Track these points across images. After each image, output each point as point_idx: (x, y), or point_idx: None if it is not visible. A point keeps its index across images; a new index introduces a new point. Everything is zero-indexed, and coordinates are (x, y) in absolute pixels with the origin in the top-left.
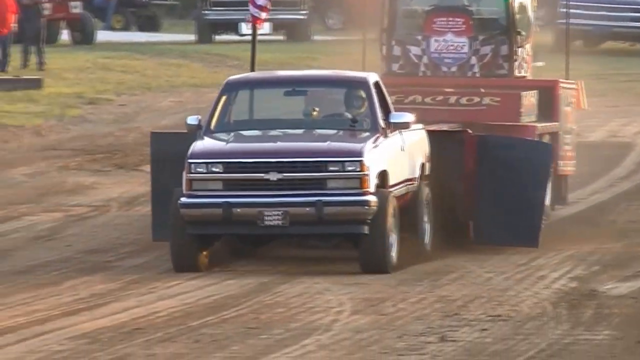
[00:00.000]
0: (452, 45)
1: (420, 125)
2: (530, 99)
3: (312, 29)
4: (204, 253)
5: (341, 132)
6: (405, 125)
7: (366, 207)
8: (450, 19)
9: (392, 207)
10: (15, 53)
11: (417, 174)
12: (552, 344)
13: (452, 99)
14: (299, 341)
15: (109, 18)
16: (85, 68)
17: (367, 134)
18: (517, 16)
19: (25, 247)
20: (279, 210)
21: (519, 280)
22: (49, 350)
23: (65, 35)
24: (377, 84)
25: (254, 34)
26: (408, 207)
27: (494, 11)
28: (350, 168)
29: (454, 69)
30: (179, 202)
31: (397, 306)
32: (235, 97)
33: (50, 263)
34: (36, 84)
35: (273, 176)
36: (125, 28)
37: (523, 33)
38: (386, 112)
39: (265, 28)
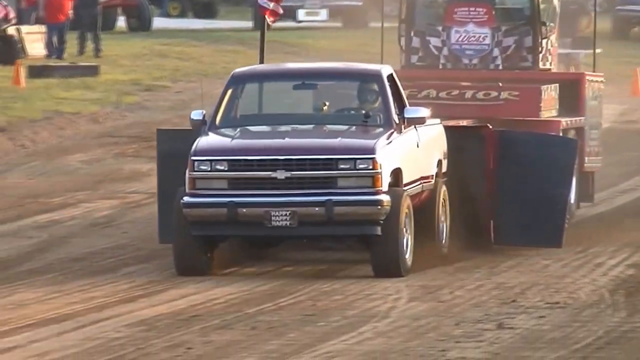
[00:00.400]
0: (473, 37)
1: (437, 120)
2: (550, 92)
3: (368, 16)
4: (209, 255)
5: (353, 128)
6: (420, 121)
7: (379, 207)
8: (472, 8)
9: (406, 206)
10: (71, 40)
11: (433, 171)
12: (609, 331)
13: (469, 94)
14: (356, 328)
15: (165, 5)
16: (142, 55)
17: (381, 129)
18: (542, 6)
19: (81, 234)
20: (287, 210)
21: (576, 268)
22: (106, 338)
23: (121, 22)
24: (391, 77)
25: (263, 26)
26: (424, 206)
27: (518, 1)
28: (362, 166)
29: (475, 61)
30: (181, 201)
31: (454, 293)
32: (242, 90)
33: (107, 250)
34: (93, 71)
35: (280, 174)
36: (182, 15)
37: (548, 24)
38: (401, 106)
39: (322, 15)
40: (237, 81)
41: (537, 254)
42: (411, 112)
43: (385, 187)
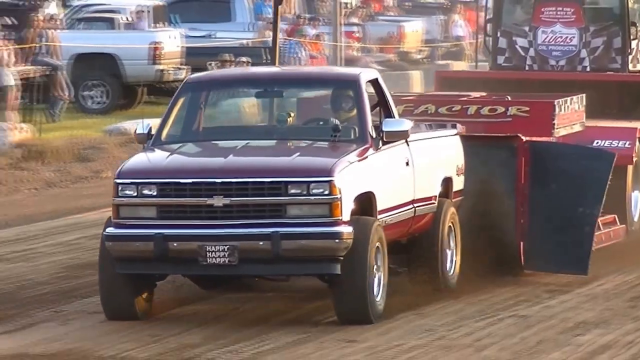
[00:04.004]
0: (560, 37)
1: (450, 131)
2: (572, 106)
3: None
4: (144, 296)
5: (318, 144)
6: (401, 135)
7: (336, 241)
8: (560, 8)
9: (376, 239)
10: None
11: (435, 191)
12: None
13: (472, 109)
14: None
15: None
16: None
17: (352, 145)
18: (633, 6)
19: None
20: (225, 245)
21: None
22: None
23: None
24: (375, 83)
25: (275, 16)
26: (425, 232)
27: (607, 0)
28: (316, 191)
29: (562, 62)
30: (104, 232)
31: None
32: (197, 100)
33: None
34: None
35: (218, 201)
36: None
37: (639, 24)
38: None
39: None
40: (191, 88)
41: None
42: (390, 124)
43: (346, 217)
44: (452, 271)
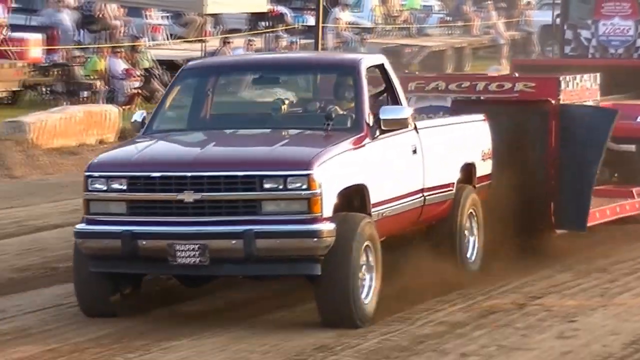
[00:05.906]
0: (619, 29)
1: (478, 117)
2: (582, 83)
3: None
4: (125, 292)
5: (308, 133)
6: (399, 123)
7: (315, 240)
8: (618, 3)
9: (365, 237)
10: None
11: (453, 178)
12: None
13: (480, 86)
14: None
15: None
16: None
17: (346, 135)
18: None
19: None
20: (195, 244)
21: None
22: None
23: None
24: (381, 69)
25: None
26: (444, 218)
27: None
28: (293, 185)
29: (620, 51)
30: (74, 229)
31: None
32: (192, 87)
33: None
34: None
35: (188, 197)
36: None
37: None
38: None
39: None
40: (187, 76)
41: None
42: (387, 112)
43: (327, 213)
44: (473, 257)
